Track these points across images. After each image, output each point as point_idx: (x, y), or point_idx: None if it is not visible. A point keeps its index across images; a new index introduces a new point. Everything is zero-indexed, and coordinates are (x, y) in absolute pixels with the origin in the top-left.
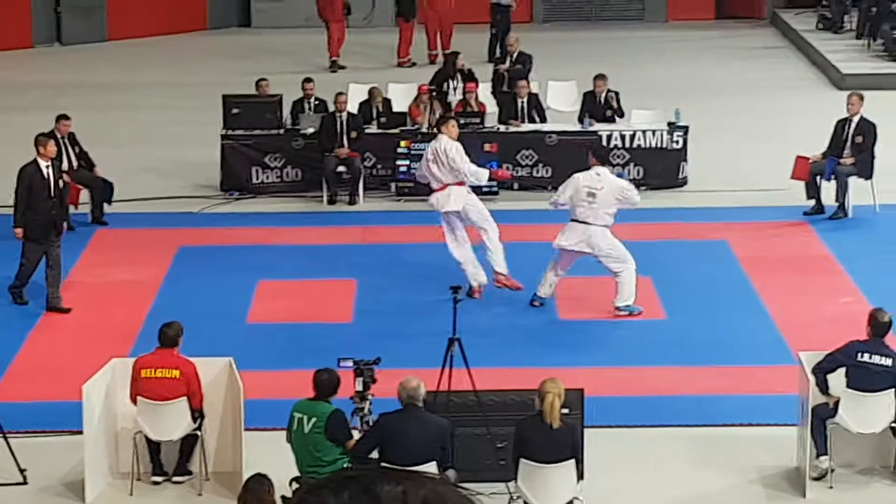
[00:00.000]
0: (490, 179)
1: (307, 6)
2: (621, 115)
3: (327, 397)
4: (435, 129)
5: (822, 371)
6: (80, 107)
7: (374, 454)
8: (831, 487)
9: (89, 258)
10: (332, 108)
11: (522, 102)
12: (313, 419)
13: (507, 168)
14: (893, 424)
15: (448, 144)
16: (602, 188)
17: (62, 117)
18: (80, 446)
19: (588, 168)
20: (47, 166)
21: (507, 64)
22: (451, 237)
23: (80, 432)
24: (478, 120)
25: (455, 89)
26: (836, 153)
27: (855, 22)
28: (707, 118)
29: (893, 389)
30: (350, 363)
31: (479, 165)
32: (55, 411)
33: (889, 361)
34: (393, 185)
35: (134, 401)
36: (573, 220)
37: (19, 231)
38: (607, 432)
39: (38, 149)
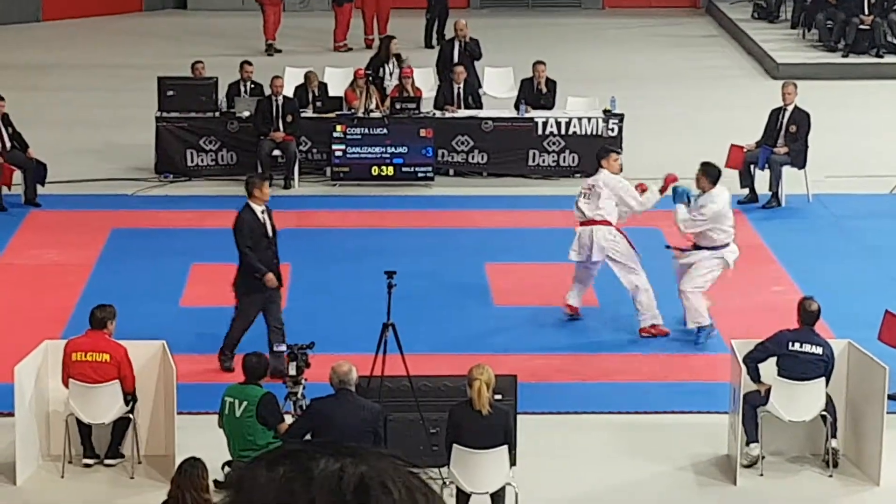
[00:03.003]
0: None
1: None
2: (550, 106)
3: (257, 381)
4: (598, 165)
5: (752, 361)
6: (15, 87)
7: (307, 438)
8: (762, 475)
9: (22, 239)
10: (267, 91)
11: (458, 88)
12: (244, 403)
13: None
14: (824, 412)
15: (608, 178)
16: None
17: None
18: (11, 428)
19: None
20: (262, 211)
21: (460, 47)
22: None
23: (11, 414)
24: (414, 105)
25: (391, 74)
26: (770, 142)
27: (790, 11)
28: (642, 106)
29: (824, 377)
30: (284, 347)
31: (419, 151)
32: None
33: (819, 350)
34: (328, 170)
35: (66, 383)
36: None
37: (271, 276)
38: (540, 419)
39: (254, 191)
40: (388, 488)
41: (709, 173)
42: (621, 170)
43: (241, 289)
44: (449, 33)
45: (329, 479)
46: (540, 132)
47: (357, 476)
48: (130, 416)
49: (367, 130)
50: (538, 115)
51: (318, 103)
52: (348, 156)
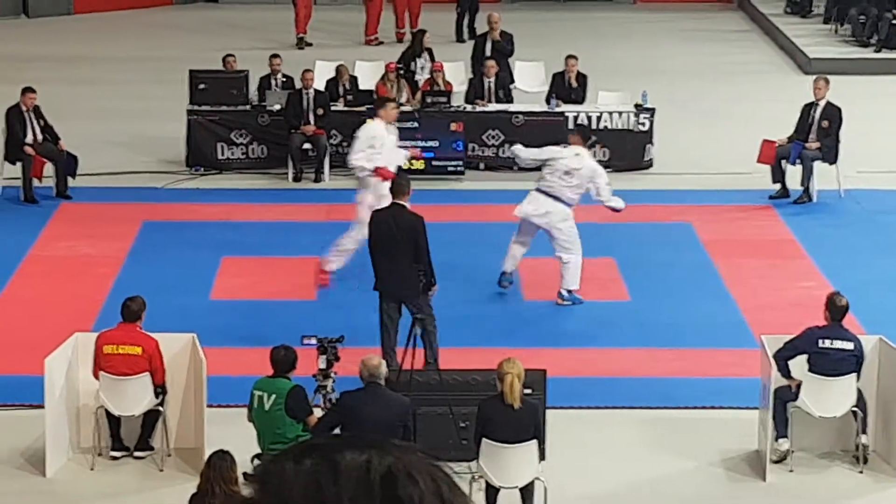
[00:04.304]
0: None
1: None
2: (581, 100)
3: (286, 374)
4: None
5: (782, 359)
6: (46, 80)
7: (337, 431)
8: (791, 471)
9: (53, 232)
10: (298, 84)
11: (489, 82)
12: (273, 396)
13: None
14: (854, 408)
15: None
16: (581, 169)
17: (27, 90)
18: (41, 421)
19: (568, 145)
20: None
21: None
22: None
23: (42, 406)
24: (444, 99)
25: (423, 68)
26: (801, 137)
27: (823, 6)
28: (674, 101)
29: (854, 373)
30: (314, 341)
31: (450, 145)
32: (16, 385)
33: (850, 345)
34: None
35: (96, 376)
36: (539, 191)
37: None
38: (569, 413)
39: (409, 191)
40: (414, 479)
41: (583, 134)
42: (396, 119)
43: (421, 290)
44: (481, 28)
45: (356, 470)
46: (571, 126)
47: (384, 467)
48: (160, 408)
49: (397, 124)
50: (569, 109)
51: (349, 97)
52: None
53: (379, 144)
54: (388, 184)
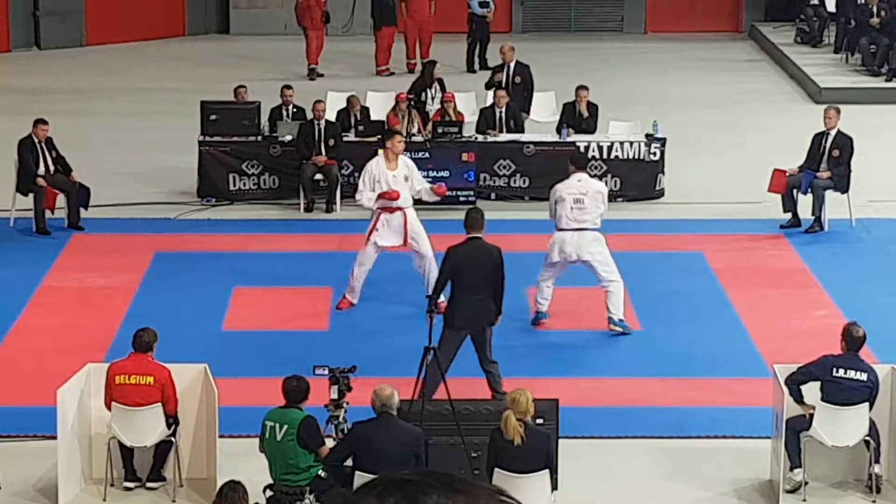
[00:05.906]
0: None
1: (286, 14)
2: (592, 130)
3: (297, 404)
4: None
5: (794, 383)
6: (58, 111)
7: (349, 462)
8: (805, 500)
9: (65, 263)
10: (310, 115)
11: (500, 112)
12: (285, 427)
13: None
14: (867, 438)
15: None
16: (587, 192)
17: (40, 122)
18: (54, 451)
19: (567, 177)
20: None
21: (503, 75)
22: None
23: (54, 437)
24: (456, 129)
25: (433, 98)
26: (812, 167)
27: (833, 36)
28: (684, 130)
29: (867, 403)
30: (325, 371)
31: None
32: (29, 416)
33: (864, 376)
34: None
35: (108, 406)
36: (562, 231)
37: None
38: (582, 443)
39: (484, 224)
40: None
41: (575, 161)
42: (402, 149)
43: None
44: (492, 58)
45: None
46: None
47: None
48: (172, 439)
49: (409, 154)
50: (580, 139)
51: (360, 127)
52: None
53: (383, 180)
54: (396, 215)
